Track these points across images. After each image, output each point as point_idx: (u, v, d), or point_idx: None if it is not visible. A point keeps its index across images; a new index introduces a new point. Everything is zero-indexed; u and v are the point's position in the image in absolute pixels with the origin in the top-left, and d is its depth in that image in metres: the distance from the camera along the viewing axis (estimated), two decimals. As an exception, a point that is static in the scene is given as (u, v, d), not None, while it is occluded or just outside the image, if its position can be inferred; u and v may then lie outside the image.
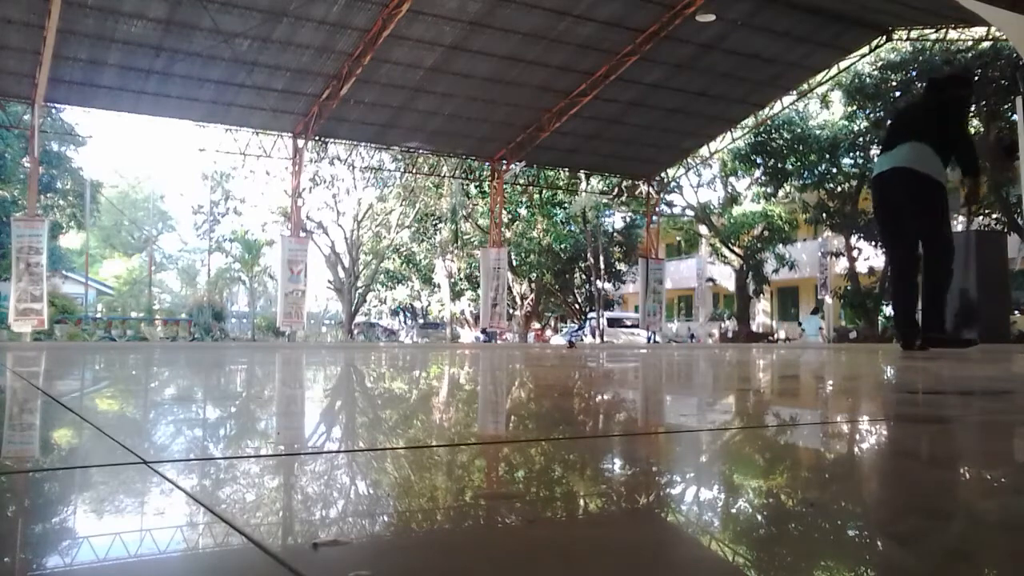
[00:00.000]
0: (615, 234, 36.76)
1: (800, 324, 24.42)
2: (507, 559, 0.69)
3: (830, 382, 3.40)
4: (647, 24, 17.30)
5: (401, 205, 35.47)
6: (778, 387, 3.18)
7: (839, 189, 27.70)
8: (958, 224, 20.58)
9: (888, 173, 5.55)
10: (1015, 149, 11.27)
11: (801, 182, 28.21)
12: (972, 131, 6.00)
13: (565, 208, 34.00)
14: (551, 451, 1.33)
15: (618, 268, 36.60)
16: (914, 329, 5.55)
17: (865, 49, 20.63)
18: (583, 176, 27.77)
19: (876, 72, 24.25)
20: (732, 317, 34.64)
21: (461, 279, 37.40)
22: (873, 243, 27.49)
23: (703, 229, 33.43)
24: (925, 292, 5.48)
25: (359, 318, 39.80)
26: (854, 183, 27.36)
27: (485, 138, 21.75)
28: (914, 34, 20.16)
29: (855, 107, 25.86)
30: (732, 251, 31.19)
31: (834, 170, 27.19)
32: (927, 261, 5.50)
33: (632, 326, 30.34)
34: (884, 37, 20.07)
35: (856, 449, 1.44)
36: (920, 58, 23.19)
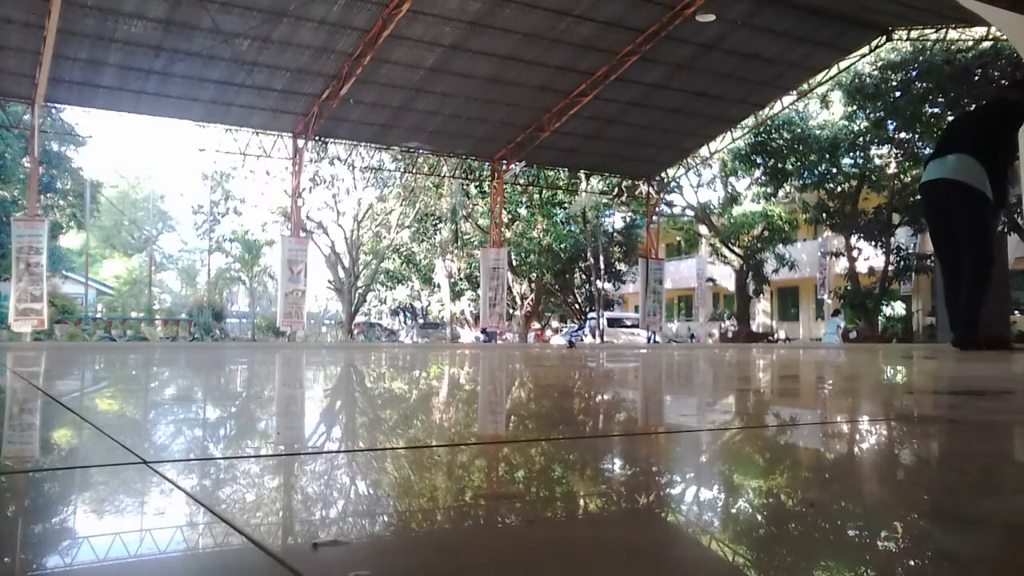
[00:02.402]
0: (615, 234, 36.74)
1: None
2: (507, 559, 0.69)
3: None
4: (647, 24, 17.28)
5: (401, 205, 35.45)
6: (781, 388, 3.18)
7: (839, 189, 27.67)
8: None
9: (936, 183, 5.74)
10: (1015, 148, 11.27)
11: (801, 182, 28.17)
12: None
13: (565, 208, 33.98)
14: (551, 451, 1.33)
15: (618, 268, 36.58)
16: (970, 329, 5.67)
17: (865, 49, 20.60)
18: (583, 176, 27.74)
19: (876, 72, 24.22)
20: (732, 317, 34.65)
21: (461, 279, 37.38)
22: (873, 243, 27.51)
23: (703, 229, 33.41)
24: (963, 297, 5.65)
25: (359, 318, 39.78)
26: (854, 183, 27.34)
27: (485, 138, 21.73)
28: (914, 34, 20.14)
29: (855, 107, 25.83)
30: (732, 251, 31.18)
31: (834, 170, 27.16)
32: (967, 269, 5.63)
33: (632, 326, 30.32)
34: (884, 37, 20.05)
35: (856, 449, 1.44)
36: (920, 58, 23.17)
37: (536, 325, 38.87)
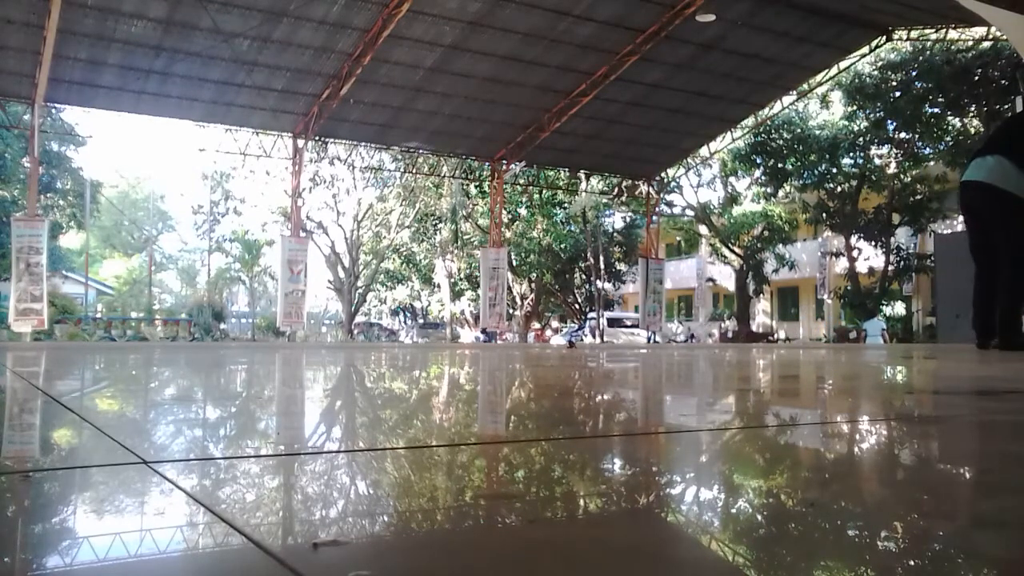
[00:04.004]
0: (615, 234, 36.73)
1: (864, 328, 24.60)
2: (507, 559, 0.69)
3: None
4: (647, 24, 17.29)
5: (401, 205, 35.45)
6: (785, 388, 3.17)
7: (839, 189, 27.67)
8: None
9: (970, 184, 5.70)
10: None
11: (801, 182, 28.18)
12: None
13: (565, 208, 33.98)
14: (551, 451, 1.33)
15: (618, 268, 36.57)
16: (989, 330, 5.66)
17: (865, 49, 20.59)
18: (583, 176, 27.75)
19: (876, 72, 24.23)
20: (732, 317, 34.64)
21: (461, 279, 37.38)
22: (873, 243, 27.51)
23: (703, 229, 33.40)
24: (999, 301, 5.61)
25: (359, 318, 39.77)
26: (854, 183, 27.35)
27: (485, 138, 21.73)
28: (914, 34, 20.13)
29: (855, 107, 25.84)
30: (732, 251, 31.17)
31: (834, 170, 27.16)
32: (1001, 273, 5.59)
33: (632, 326, 30.32)
34: (884, 37, 20.04)
35: (856, 449, 1.44)
36: (920, 58, 23.17)
37: (536, 325, 38.86)
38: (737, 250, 31.08)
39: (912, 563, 0.71)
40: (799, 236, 32.30)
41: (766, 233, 30.62)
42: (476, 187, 31.26)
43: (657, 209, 27.10)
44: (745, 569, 0.70)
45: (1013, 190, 5.40)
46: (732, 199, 31.46)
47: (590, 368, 4.43)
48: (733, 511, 0.92)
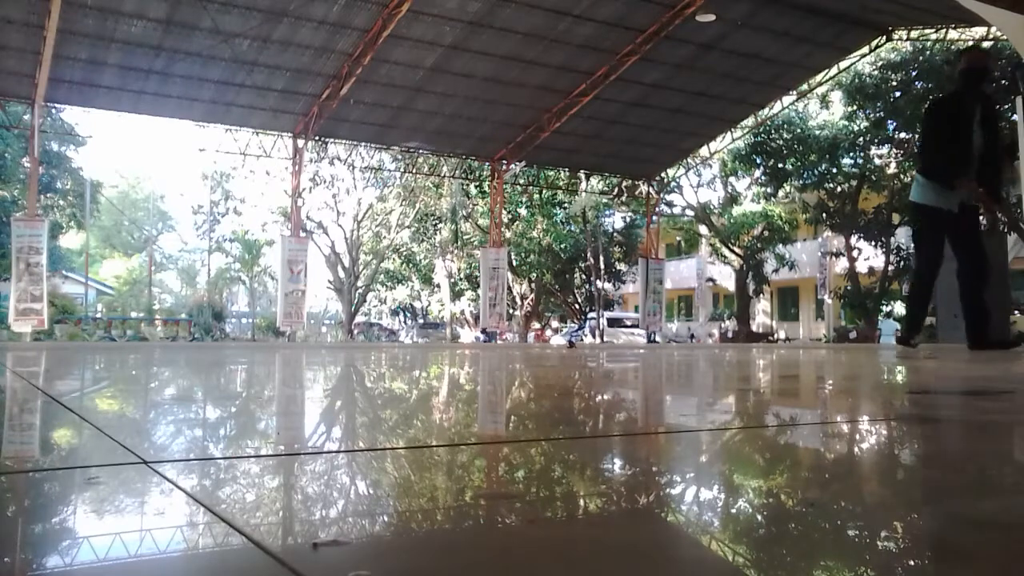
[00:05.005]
0: (615, 234, 36.74)
1: (879, 328, 24.87)
2: (507, 559, 0.69)
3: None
4: (647, 24, 17.29)
5: (401, 205, 35.45)
6: (784, 388, 3.17)
7: (839, 189, 27.66)
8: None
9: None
10: (1015, 149, 11.22)
11: (801, 182, 28.16)
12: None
13: (565, 208, 33.98)
14: (551, 451, 1.33)
15: (618, 268, 36.58)
16: (976, 330, 5.85)
17: (865, 49, 20.60)
18: (583, 176, 27.74)
19: (876, 72, 24.22)
20: (732, 317, 34.64)
21: (461, 279, 37.38)
22: (872, 243, 27.50)
23: (703, 229, 33.40)
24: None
25: (359, 318, 39.78)
26: (854, 183, 27.34)
27: (485, 138, 21.73)
28: (914, 34, 20.14)
29: (855, 107, 25.83)
30: (732, 251, 31.16)
31: (834, 170, 27.15)
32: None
33: (632, 326, 30.32)
34: (884, 37, 20.05)
35: (856, 449, 1.44)
36: (920, 58, 23.17)
37: (536, 325, 38.86)
38: (737, 250, 31.07)
39: (912, 563, 0.71)
40: (799, 236, 32.29)
41: (766, 233, 30.62)
42: (476, 187, 31.25)
43: (657, 209, 27.10)
44: (745, 569, 0.70)
45: (928, 202, 5.67)
46: (732, 199, 31.45)
47: (590, 368, 4.43)
48: (733, 511, 0.92)
